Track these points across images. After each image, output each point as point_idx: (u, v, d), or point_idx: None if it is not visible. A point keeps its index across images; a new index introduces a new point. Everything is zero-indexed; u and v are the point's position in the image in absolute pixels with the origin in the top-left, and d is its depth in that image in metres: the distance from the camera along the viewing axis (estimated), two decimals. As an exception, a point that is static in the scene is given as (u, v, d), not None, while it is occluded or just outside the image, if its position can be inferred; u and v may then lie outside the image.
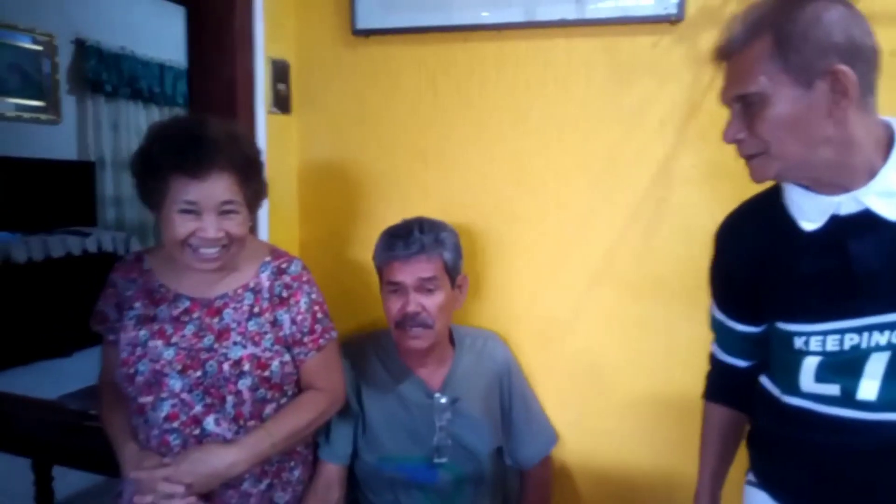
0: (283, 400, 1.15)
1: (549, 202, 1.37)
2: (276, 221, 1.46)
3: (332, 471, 1.26)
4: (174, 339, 1.09)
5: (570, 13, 1.28)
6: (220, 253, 1.05)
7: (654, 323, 1.32)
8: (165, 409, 1.07)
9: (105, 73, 4.56)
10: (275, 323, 1.13)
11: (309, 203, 1.56)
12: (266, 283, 1.14)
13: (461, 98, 1.40)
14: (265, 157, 1.40)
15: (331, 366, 1.20)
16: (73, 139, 4.56)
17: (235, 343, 1.09)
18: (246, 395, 1.09)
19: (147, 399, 1.08)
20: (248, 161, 1.07)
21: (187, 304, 1.12)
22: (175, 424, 1.08)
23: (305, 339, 1.15)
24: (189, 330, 1.10)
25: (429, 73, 1.42)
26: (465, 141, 1.41)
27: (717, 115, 1.21)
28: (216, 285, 1.12)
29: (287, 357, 1.13)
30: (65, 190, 4.18)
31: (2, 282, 3.43)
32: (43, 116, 4.33)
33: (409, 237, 1.20)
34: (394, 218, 1.31)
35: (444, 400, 1.25)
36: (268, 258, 1.17)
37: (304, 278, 1.17)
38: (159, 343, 1.09)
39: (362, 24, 1.42)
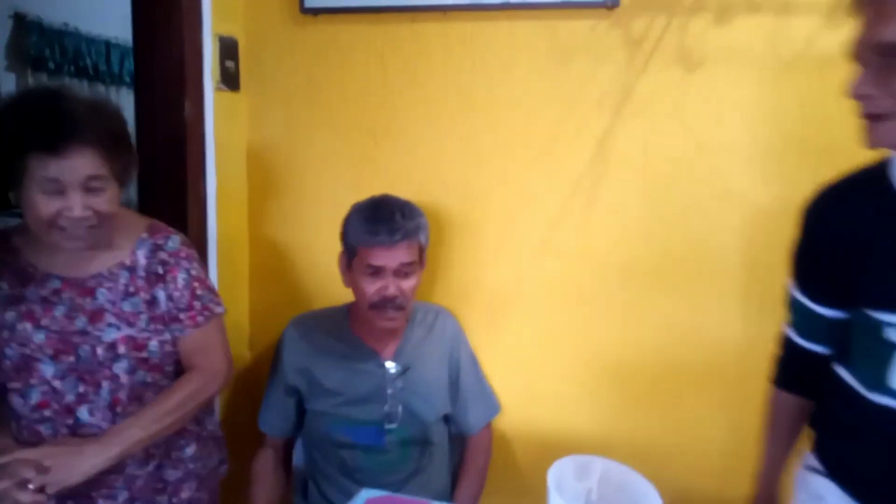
0: (164, 382, 1.11)
1: (495, 179, 1.42)
2: (223, 199, 1.48)
3: (273, 442, 1.40)
4: (44, 322, 1.03)
5: (513, -5, 1.32)
6: (88, 232, 1.00)
7: (592, 292, 1.39)
8: (35, 397, 1.03)
9: (47, 49, 4.39)
10: (151, 301, 1.09)
11: (258, 181, 1.57)
12: (142, 261, 1.10)
13: (409, 77, 1.43)
14: (212, 134, 1.42)
15: (210, 344, 1.15)
16: (13, 118, 4.39)
17: (110, 325, 1.05)
18: (123, 378, 1.05)
19: (16, 385, 1.04)
20: (112, 133, 1.00)
21: (58, 284, 1.06)
22: (46, 413, 1.03)
23: (182, 317, 1.11)
24: (60, 311, 1.04)
25: (377, 53, 1.45)
26: (414, 119, 1.45)
27: (650, 96, 1.30)
28: (89, 264, 1.07)
29: (167, 336, 1.10)
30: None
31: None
32: (-20, 94, 4.14)
33: (393, 224, 1.21)
34: (345, 195, 1.34)
35: (394, 369, 1.30)
36: (144, 234, 1.12)
37: (183, 254, 1.13)
38: (28, 325, 1.03)
39: (311, 2, 1.43)
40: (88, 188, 0.97)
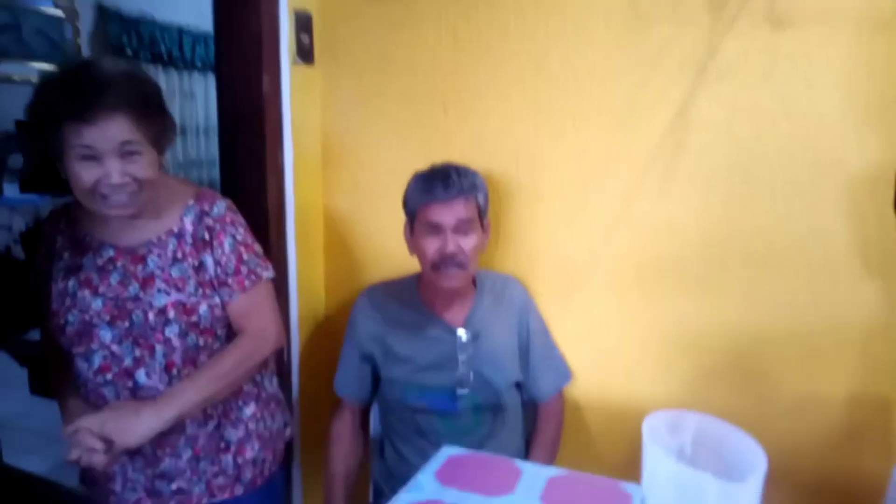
0: (217, 346, 1.14)
1: (568, 147, 1.39)
2: (300, 170, 1.51)
3: (350, 406, 1.44)
4: (101, 289, 1.08)
5: (590, -43, 1.29)
6: (130, 199, 1.02)
7: (670, 264, 1.35)
8: (97, 361, 1.08)
9: (125, 37, 4.60)
10: (199, 267, 1.11)
11: (332, 152, 1.60)
12: (189, 228, 1.12)
13: (481, 47, 1.42)
14: (289, 107, 1.46)
15: (259, 307, 1.17)
16: (96, 104, 4.62)
17: (159, 290, 1.08)
18: (175, 342, 1.08)
19: (79, 350, 1.08)
20: (144, 98, 1.01)
21: (111, 252, 1.10)
22: (108, 377, 1.08)
23: (230, 281, 1.13)
24: (114, 279, 1.09)
25: (449, 23, 1.44)
26: (485, 89, 1.44)
27: (736, 58, 1.24)
28: (140, 232, 1.11)
29: (216, 300, 1.12)
30: (90, 153, 4.26)
31: (32, 241, 3.54)
32: (67, 81, 4.38)
33: (448, 180, 1.24)
34: (416, 165, 1.35)
35: (465, 336, 1.31)
36: (191, 201, 1.14)
37: (228, 219, 1.15)
38: (86, 293, 1.08)
39: (384, -27, 1.44)
40: (124, 154, 0.99)
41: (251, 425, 1.21)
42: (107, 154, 0.98)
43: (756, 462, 0.73)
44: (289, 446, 1.54)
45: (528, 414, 1.44)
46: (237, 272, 1.14)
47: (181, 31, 5.06)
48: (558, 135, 1.40)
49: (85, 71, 0.99)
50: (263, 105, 1.40)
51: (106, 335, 1.07)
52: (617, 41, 1.32)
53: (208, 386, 1.08)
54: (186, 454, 1.13)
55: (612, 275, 1.41)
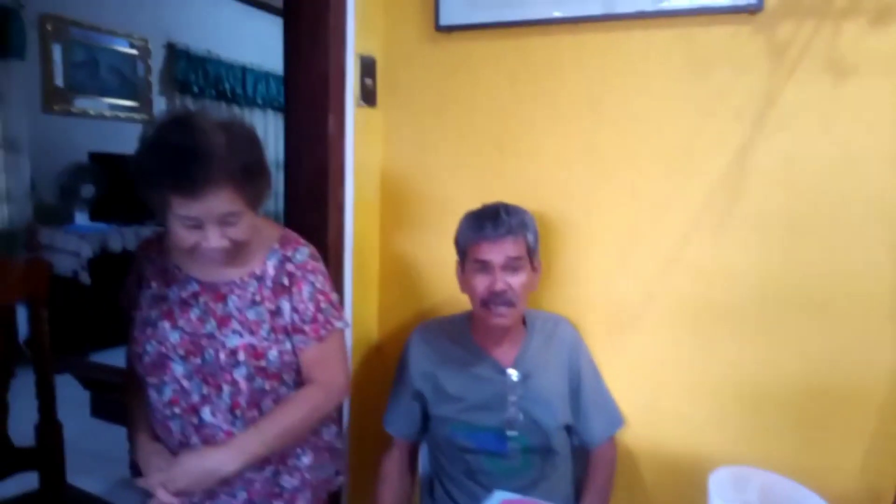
0: (283, 390, 1.15)
1: (623, 190, 1.40)
2: (360, 209, 1.56)
3: (399, 444, 1.44)
4: (180, 323, 1.10)
5: (648, 5, 1.31)
6: (224, 255, 1.06)
7: (726, 310, 1.33)
8: (168, 393, 1.10)
9: (192, 74, 4.87)
10: (276, 312, 1.12)
11: (391, 190, 1.65)
12: (271, 272, 1.13)
13: (539, 90, 1.46)
14: (352, 148, 1.51)
15: (331, 357, 1.18)
16: (162, 137, 4.87)
17: (234, 331, 1.10)
18: (242, 385, 1.09)
19: (153, 380, 1.11)
20: (246, 167, 1.02)
21: (196, 287, 1.13)
22: (176, 410, 1.10)
23: (306, 328, 1.13)
24: (194, 314, 1.11)
25: (508, 67, 1.48)
26: (541, 130, 1.47)
27: (796, 105, 1.24)
28: (226, 270, 1.13)
29: (287, 346, 1.13)
30: (156, 184, 4.48)
31: (99, 269, 3.72)
32: (137, 116, 4.66)
33: (498, 219, 1.26)
34: (470, 204, 1.38)
35: (515, 376, 1.31)
36: (276, 245, 1.16)
37: (310, 266, 1.15)
38: (167, 325, 1.10)
39: (445, 20, 1.50)
40: (225, 222, 1.02)
41: (307, 475, 1.21)
42: (208, 221, 1.01)
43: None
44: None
45: (578, 459, 1.42)
46: (314, 320, 1.14)
47: (244, 70, 5.32)
48: (612, 177, 1.41)
49: (191, 140, 0.98)
50: (328, 145, 1.46)
51: (178, 369, 1.09)
52: (673, 86, 1.33)
53: (275, 441, 1.10)
54: (241, 496, 1.14)
55: (666, 318, 1.40)
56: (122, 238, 3.95)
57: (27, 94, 3.90)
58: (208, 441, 1.11)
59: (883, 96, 1.17)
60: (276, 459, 1.16)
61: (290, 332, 1.13)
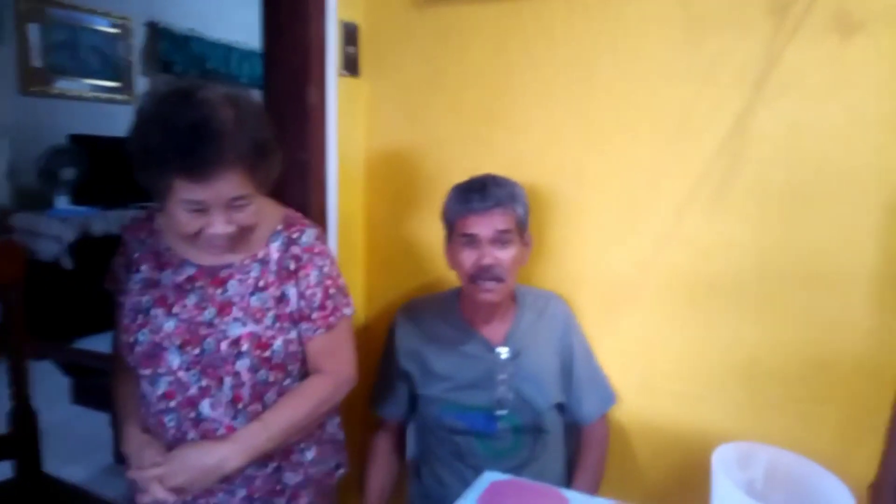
0: (287, 381, 1.08)
1: (617, 160, 1.35)
2: (343, 182, 1.50)
3: (387, 425, 1.41)
4: (175, 310, 1.03)
5: (644, -34, 1.25)
6: (229, 241, 0.99)
7: (725, 284, 1.29)
8: (162, 386, 1.02)
9: (175, 54, 4.75)
10: (281, 298, 1.05)
11: (376, 162, 1.59)
12: (275, 255, 1.06)
13: (529, 58, 1.40)
14: (335, 119, 1.45)
15: (340, 346, 1.13)
16: (145, 118, 4.78)
17: (236, 319, 1.02)
18: (245, 376, 1.02)
19: (145, 372, 1.03)
20: (257, 147, 0.95)
21: (192, 271, 1.05)
22: (171, 404, 1.03)
23: (314, 316, 1.07)
24: (191, 300, 1.03)
25: (496, 33, 1.42)
26: (532, 100, 1.41)
27: (800, 68, 1.18)
28: (224, 254, 1.05)
29: (293, 334, 1.06)
30: (139, 167, 4.40)
31: (82, 253, 3.65)
32: (118, 97, 4.55)
33: (485, 191, 1.21)
34: (458, 177, 1.32)
35: (505, 354, 1.27)
36: (280, 227, 1.09)
37: (317, 249, 1.08)
38: (160, 312, 1.02)
39: (431, -15, 1.43)
40: (232, 206, 0.95)
41: (311, 470, 1.15)
42: (214, 207, 0.94)
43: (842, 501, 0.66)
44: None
45: (570, 438, 1.38)
46: (322, 307, 1.08)
47: (229, 48, 5.20)
48: (606, 147, 1.36)
49: (202, 117, 0.90)
50: (309, 116, 1.39)
51: (175, 360, 1.01)
52: (670, 50, 1.27)
53: (281, 436, 1.04)
54: (241, 493, 1.07)
55: (662, 293, 1.35)
56: (106, 222, 3.86)
57: (4, 77, 3.79)
58: (207, 436, 1.03)
59: (893, 54, 1.12)
60: (279, 455, 1.09)
61: (297, 319, 1.06)
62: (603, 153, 1.36)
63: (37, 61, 4.01)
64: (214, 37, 5.04)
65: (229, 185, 0.93)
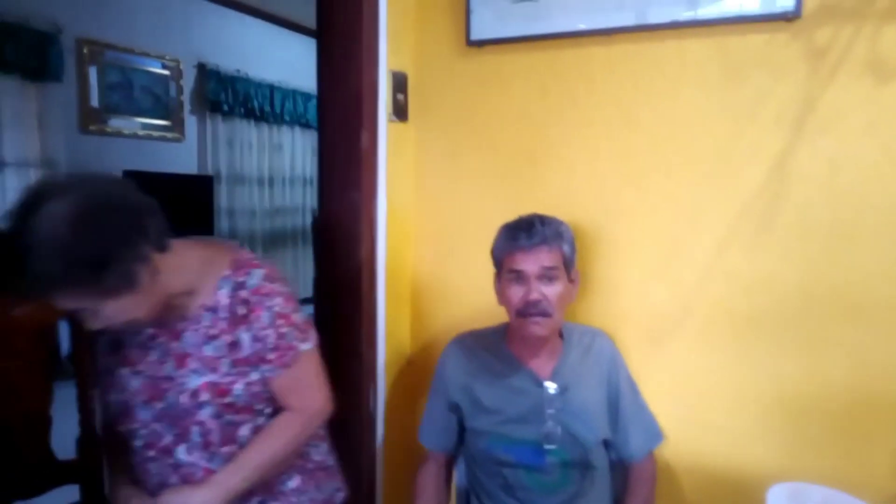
0: (261, 420, 1.10)
1: (657, 197, 1.39)
2: (392, 219, 1.57)
3: (435, 457, 1.43)
4: (140, 367, 1.05)
5: (682, 15, 1.31)
6: (141, 323, 1.01)
7: (768, 319, 1.31)
8: (140, 439, 1.06)
9: (223, 93, 4.96)
10: (235, 344, 1.05)
11: (423, 203, 1.66)
12: (224, 301, 1.05)
13: (570, 100, 1.46)
14: (384, 162, 1.53)
15: (303, 382, 1.12)
16: (193, 155, 4.98)
17: (193, 371, 1.04)
18: (210, 424, 1.04)
19: (122, 428, 1.07)
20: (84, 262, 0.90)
21: (151, 329, 1.06)
22: (151, 454, 1.06)
23: (270, 357, 1.07)
24: (153, 356, 1.05)
25: (538, 78, 1.48)
26: (574, 140, 1.46)
27: (838, 109, 1.21)
28: (176, 307, 1.06)
29: (254, 376, 1.07)
30: (187, 201, 4.57)
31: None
32: (168, 135, 4.76)
33: (532, 229, 1.27)
34: (502, 215, 1.37)
35: (553, 389, 1.30)
36: (227, 272, 1.07)
37: (265, 290, 1.07)
38: (126, 371, 1.05)
39: (476, 35, 1.51)
40: (82, 314, 0.95)
41: (293, 498, 1.16)
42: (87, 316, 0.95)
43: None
44: (371, 494, 1.55)
45: (616, 475, 1.40)
46: (276, 348, 1.07)
47: (272, 88, 5.41)
48: (647, 185, 1.40)
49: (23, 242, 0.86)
50: (361, 160, 1.47)
51: (145, 414, 1.05)
52: (709, 93, 1.32)
53: (255, 474, 1.07)
54: None
55: (705, 328, 1.38)
56: (155, 254, 4.01)
57: (65, 115, 4.02)
58: (187, 480, 1.07)
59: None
60: (260, 489, 1.12)
61: (256, 362, 1.07)
62: (644, 191, 1.40)
63: (94, 101, 4.24)
64: (259, 77, 5.26)
65: (67, 304, 0.92)
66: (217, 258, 1.09)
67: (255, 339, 1.06)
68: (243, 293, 1.06)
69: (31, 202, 0.87)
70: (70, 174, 0.94)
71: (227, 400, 1.05)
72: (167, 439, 1.06)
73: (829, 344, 1.26)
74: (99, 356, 1.10)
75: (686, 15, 1.31)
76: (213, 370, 1.05)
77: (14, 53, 3.63)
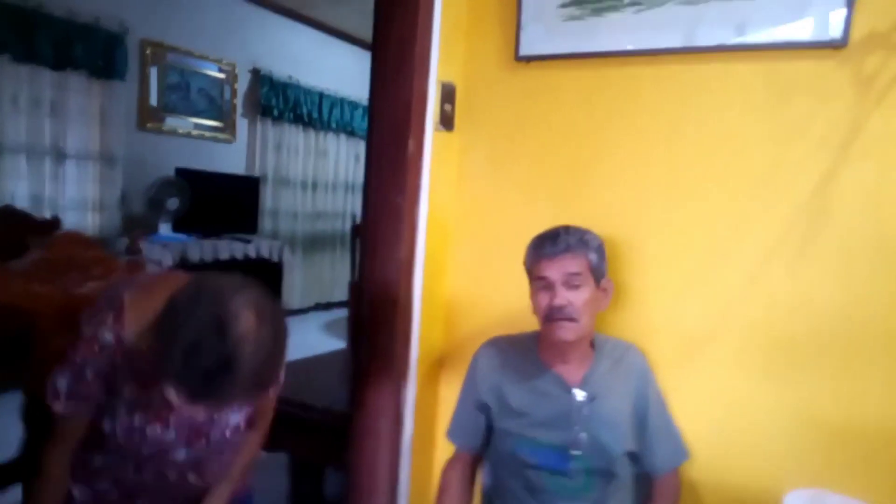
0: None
1: (698, 213, 1.40)
2: (432, 224, 1.62)
3: (462, 455, 1.47)
4: (172, 421, 1.13)
5: (729, 38, 1.33)
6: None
7: (801, 342, 1.31)
8: (172, 475, 1.19)
9: (274, 98, 5.12)
10: None
11: (464, 210, 1.70)
12: None
13: (616, 115, 1.49)
14: (429, 169, 1.58)
15: (269, 406, 1.33)
16: (242, 156, 5.14)
17: (233, 410, 1.20)
18: (236, 446, 1.25)
19: (150, 466, 1.16)
20: (264, 383, 1.01)
21: None
22: (169, 480, 1.19)
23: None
24: (186, 411, 1.08)
25: (584, 94, 1.52)
26: (617, 154, 1.49)
27: (883, 134, 1.22)
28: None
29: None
30: (234, 201, 4.72)
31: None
32: (220, 135, 4.93)
33: (557, 238, 1.32)
34: (540, 226, 1.40)
35: (581, 396, 1.32)
36: None
37: None
38: (157, 427, 1.12)
39: (525, 51, 1.56)
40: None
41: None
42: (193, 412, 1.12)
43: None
44: (393, 489, 1.59)
45: (640, 488, 1.40)
46: None
47: (321, 95, 5.55)
48: (688, 202, 1.42)
49: (223, 361, 0.90)
50: (407, 165, 1.53)
51: (180, 454, 1.16)
52: (753, 113, 1.34)
53: (239, 477, 1.30)
54: None
55: (738, 348, 1.38)
56: (201, 249, 4.16)
57: (125, 113, 4.22)
58: (184, 478, 1.21)
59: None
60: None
61: None
62: (685, 208, 1.42)
63: (153, 100, 4.44)
64: (309, 84, 5.41)
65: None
66: None
67: None
68: None
69: (221, 320, 0.88)
70: (215, 280, 0.96)
71: (245, 423, 1.25)
72: (191, 476, 1.20)
73: (865, 371, 1.26)
74: (118, 416, 1.10)
75: (735, 39, 1.33)
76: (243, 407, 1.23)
77: (84, 52, 3.84)
